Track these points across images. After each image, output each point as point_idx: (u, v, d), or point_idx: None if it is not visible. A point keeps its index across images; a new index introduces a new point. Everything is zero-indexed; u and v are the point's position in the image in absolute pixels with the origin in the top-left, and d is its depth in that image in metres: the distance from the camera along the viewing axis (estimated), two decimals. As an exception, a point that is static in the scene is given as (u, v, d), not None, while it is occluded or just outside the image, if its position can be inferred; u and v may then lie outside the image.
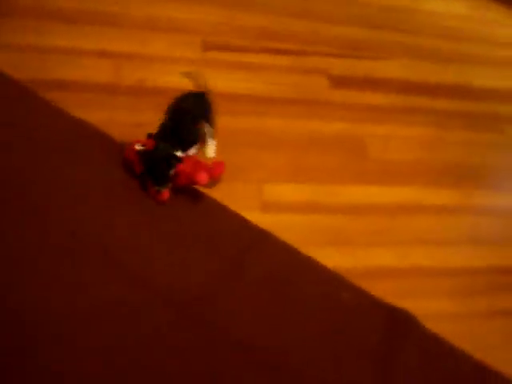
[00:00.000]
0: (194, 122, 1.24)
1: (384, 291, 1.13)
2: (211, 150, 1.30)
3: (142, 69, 1.48)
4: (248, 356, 0.99)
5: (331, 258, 1.16)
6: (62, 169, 1.20)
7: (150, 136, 1.20)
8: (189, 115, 1.23)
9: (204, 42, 1.60)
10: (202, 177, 1.16)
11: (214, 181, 1.20)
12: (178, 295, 1.04)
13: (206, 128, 1.28)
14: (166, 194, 1.17)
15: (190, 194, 1.21)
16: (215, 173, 1.19)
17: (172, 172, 1.15)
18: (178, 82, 1.30)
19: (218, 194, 1.22)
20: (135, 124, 1.30)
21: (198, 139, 1.25)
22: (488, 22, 2.05)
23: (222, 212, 1.20)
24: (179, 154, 1.18)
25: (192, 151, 1.23)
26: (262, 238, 1.17)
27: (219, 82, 1.48)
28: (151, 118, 1.21)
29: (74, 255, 1.05)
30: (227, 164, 1.26)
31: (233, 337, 1.00)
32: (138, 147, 1.18)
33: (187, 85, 1.28)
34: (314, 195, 1.29)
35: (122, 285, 1.03)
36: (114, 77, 1.43)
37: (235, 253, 1.13)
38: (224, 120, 1.34)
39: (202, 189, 1.21)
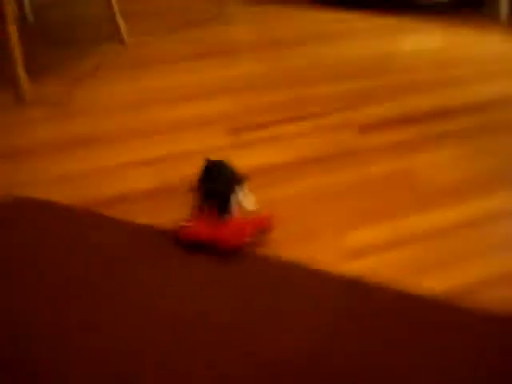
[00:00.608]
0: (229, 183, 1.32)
1: (495, 302, 1.13)
2: (250, 202, 1.34)
3: (183, 166, 1.54)
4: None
5: (435, 284, 1.18)
6: (137, 273, 1.22)
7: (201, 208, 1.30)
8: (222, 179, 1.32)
9: (228, 128, 1.70)
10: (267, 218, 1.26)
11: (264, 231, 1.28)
12: (294, 364, 1.03)
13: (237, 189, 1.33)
14: (246, 231, 1.22)
15: (267, 263, 1.23)
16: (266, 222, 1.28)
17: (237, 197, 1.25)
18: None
19: (302, 253, 1.25)
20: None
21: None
22: (463, 45, 2.23)
23: (311, 272, 1.21)
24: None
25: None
26: (359, 284, 1.18)
27: (254, 159, 1.56)
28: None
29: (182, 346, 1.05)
30: (296, 230, 1.31)
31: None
32: (185, 223, 1.26)
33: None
34: (393, 231, 1.32)
35: (230, 361, 1.02)
36: (159, 181, 1.50)
37: (339, 308, 1.14)
38: (271, 191, 1.42)
39: (279, 254, 1.25)
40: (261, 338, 1.07)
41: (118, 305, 1.15)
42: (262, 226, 1.28)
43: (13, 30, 1.71)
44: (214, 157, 1.40)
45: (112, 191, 1.45)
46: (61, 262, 1.25)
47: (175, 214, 1.34)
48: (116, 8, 2.16)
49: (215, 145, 1.63)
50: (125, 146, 1.63)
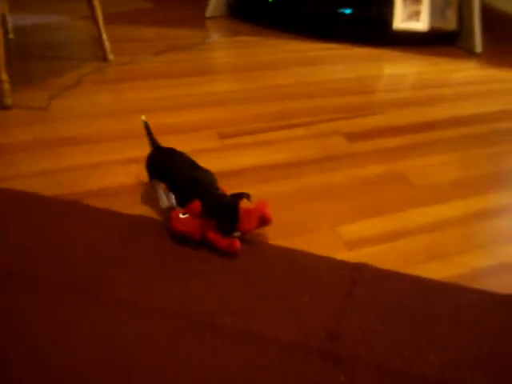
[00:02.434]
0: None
1: (499, 287, 1.12)
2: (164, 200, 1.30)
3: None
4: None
5: (435, 271, 1.15)
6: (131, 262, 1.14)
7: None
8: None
9: (220, 133, 1.68)
10: (268, 211, 1.20)
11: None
12: (305, 344, 0.97)
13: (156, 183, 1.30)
14: (238, 242, 1.16)
15: (273, 251, 1.18)
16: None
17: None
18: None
19: (300, 245, 1.20)
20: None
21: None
22: (445, 71, 2.32)
23: (311, 258, 1.17)
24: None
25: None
26: (361, 270, 1.14)
27: (245, 159, 1.53)
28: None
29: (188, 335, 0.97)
30: (291, 223, 1.27)
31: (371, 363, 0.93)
32: (182, 215, 1.19)
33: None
34: (388, 225, 1.30)
35: (245, 349, 0.95)
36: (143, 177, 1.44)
37: (342, 291, 1.09)
38: (265, 188, 1.40)
39: (279, 242, 1.19)
40: (272, 323, 1.01)
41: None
42: (263, 217, 1.21)
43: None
44: (203, 159, 1.33)
45: (93, 185, 1.39)
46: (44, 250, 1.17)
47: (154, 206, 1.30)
48: (103, 28, 2.15)
49: (204, 147, 1.59)
50: (106, 146, 1.58)
